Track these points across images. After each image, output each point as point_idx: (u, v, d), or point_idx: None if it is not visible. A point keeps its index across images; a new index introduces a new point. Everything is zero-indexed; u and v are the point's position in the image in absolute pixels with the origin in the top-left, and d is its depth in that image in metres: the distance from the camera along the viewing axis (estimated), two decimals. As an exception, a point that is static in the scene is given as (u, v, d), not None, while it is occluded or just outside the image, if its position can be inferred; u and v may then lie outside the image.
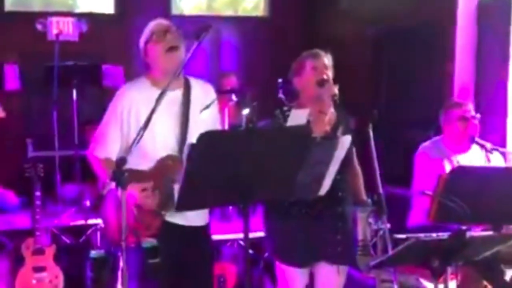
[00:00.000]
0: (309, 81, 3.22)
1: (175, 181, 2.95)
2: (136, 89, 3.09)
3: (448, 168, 3.79)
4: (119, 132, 3.05)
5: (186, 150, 2.97)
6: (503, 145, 4.77)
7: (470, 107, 4.01)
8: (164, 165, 3.01)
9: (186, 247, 3.06)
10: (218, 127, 3.30)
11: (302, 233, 3.19)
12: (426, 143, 4.05)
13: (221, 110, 5.40)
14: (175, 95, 3.03)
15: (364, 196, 3.37)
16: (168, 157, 3.02)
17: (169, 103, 2.93)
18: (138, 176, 2.89)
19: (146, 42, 3.05)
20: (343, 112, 3.28)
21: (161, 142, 3.01)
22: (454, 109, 3.97)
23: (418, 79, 5.86)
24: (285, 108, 3.18)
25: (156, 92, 2.91)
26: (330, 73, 3.24)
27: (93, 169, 3.14)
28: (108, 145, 3.06)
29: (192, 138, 2.96)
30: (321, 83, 3.16)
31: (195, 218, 3.05)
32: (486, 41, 5.30)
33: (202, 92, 3.16)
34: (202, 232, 3.18)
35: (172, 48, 2.99)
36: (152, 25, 3.06)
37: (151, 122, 2.66)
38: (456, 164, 3.75)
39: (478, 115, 3.97)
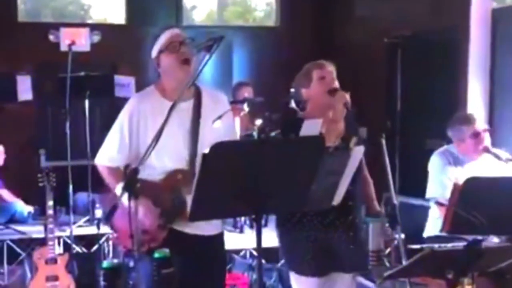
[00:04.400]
0: (318, 91, 3.22)
1: (185, 195, 2.93)
2: (145, 99, 3.08)
3: (461, 176, 3.77)
4: (127, 142, 3.04)
5: (198, 160, 2.96)
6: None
7: (479, 120, 3.98)
8: (173, 179, 3.00)
9: (197, 256, 3.03)
10: (234, 136, 3.28)
11: (315, 243, 3.18)
12: (439, 150, 4.02)
13: (233, 120, 5.44)
14: (186, 106, 3.01)
15: (377, 206, 3.35)
16: (178, 171, 3.00)
17: (180, 114, 2.92)
18: (148, 186, 2.88)
19: (160, 51, 3.03)
20: (353, 122, 3.26)
21: (171, 153, 2.99)
22: (464, 125, 3.93)
23: (434, 88, 5.84)
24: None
25: (165, 103, 2.93)
26: (336, 82, 3.25)
27: (102, 177, 3.15)
28: (116, 154, 3.06)
29: (203, 148, 2.96)
30: (333, 92, 3.16)
31: (206, 227, 3.03)
32: (500, 48, 5.27)
33: (212, 101, 3.14)
34: (214, 241, 3.16)
35: (186, 61, 2.98)
36: (168, 34, 3.03)
37: (162, 133, 2.65)
38: (468, 174, 3.73)
39: (488, 127, 3.95)
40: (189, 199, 2.46)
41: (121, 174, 3.05)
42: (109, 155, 3.09)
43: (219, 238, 3.21)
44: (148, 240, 2.94)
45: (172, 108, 2.69)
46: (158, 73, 3.12)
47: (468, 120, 4.00)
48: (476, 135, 3.87)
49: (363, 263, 3.16)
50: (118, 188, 2.96)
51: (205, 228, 3.04)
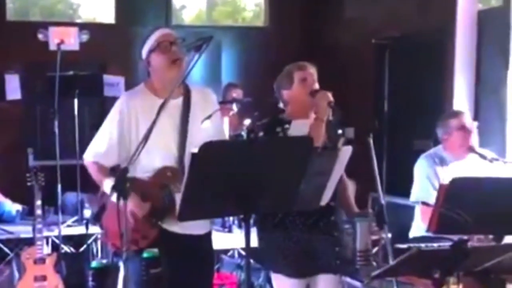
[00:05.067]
0: (300, 93, 3.24)
1: (174, 192, 2.94)
2: (135, 97, 3.08)
3: (446, 177, 3.80)
4: (116, 140, 3.04)
5: (186, 159, 2.96)
6: (503, 155, 4.78)
7: (468, 115, 4.02)
8: (162, 176, 3.00)
9: (186, 256, 3.03)
10: (222, 135, 3.29)
11: (297, 244, 3.19)
12: (426, 153, 4.05)
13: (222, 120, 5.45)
14: (175, 104, 3.02)
15: (355, 208, 3.38)
16: (167, 168, 3.00)
17: (169, 111, 2.92)
18: (137, 184, 2.89)
19: (151, 51, 3.04)
20: (335, 124, 3.27)
21: (161, 151, 2.99)
22: (452, 118, 3.97)
23: (421, 89, 5.88)
24: (286, 126, 3.19)
25: (156, 100, 2.93)
26: (317, 84, 3.26)
27: (89, 172, 3.15)
28: (104, 152, 3.06)
29: (192, 146, 2.97)
30: (314, 93, 3.17)
31: (194, 226, 3.03)
32: (486, 49, 5.31)
33: (202, 98, 3.15)
34: (202, 240, 3.16)
35: (177, 61, 2.98)
36: (158, 34, 3.04)
37: (152, 131, 2.66)
38: (454, 173, 3.76)
39: (476, 123, 3.99)
40: (178, 198, 2.47)
41: (108, 170, 3.06)
42: (97, 153, 3.09)
43: (207, 237, 3.21)
44: (138, 238, 2.94)
45: (162, 106, 2.69)
46: (148, 72, 3.12)
47: (456, 114, 4.06)
48: (463, 128, 3.89)
49: (346, 265, 3.19)
50: (106, 184, 2.95)
51: (194, 227, 3.04)
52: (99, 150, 3.08)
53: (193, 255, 3.07)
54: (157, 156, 2.99)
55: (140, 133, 2.92)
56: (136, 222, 2.91)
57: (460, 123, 3.90)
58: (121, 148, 3.04)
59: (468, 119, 3.96)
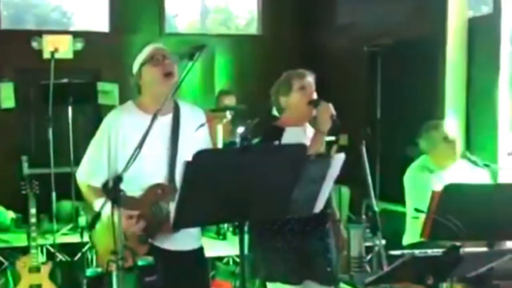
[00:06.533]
0: (298, 101, 3.25)
1: (165, 210, 2.92)
2: (123, 115, 3.04)
3: (438, 184, 3.82)
4: (105, 161, 3.01)
5: (178, 170, 2.90)
6: (494, 161, 4.81)
7: (447, 124, 4.07)
8: (153, 194, 2.97)
9: (179, 272, 3.00)
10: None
11: (296, 251, 3.21)
12: (414, 163, 4.08)
13: (215, 127, 5.47)
14: (165, 120, 2.99)
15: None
16: (158, 185, 2.97)
17: (159, 128, 2.88)
18: (128, 202, 2.86)
19: (142, 64, 3.01)
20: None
21: (151, 168, 2.96)
22: (434, 131, 4.01)
23: (413, 96, 5.91)
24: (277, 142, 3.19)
25: (144, 117, 2.87)
26: (315, 93, 3.27)
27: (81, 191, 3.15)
28: (94, 173, 3.04)
29: (182, 163, 2.95)
30: (315, 103, 3.18)
31: (185, 242, 3.02)
32: (476, 56, 5.35)
33: (192, 116, 3.12)
34: (194, 256, 3.12)
35: (169, 74, 2.96)
36: (151, 47, 3.03)
37: (143, 146, 2.63)
38: (445, 181, 3.78)
39: (457, 133, 4.03)
40: (171, 212, 2.46)
41: (98, 190, 3.04)
42: (86, 174, 3.08)
43: (199, 252, 3.16)
44: (128, 254, 2.92)
45: (153, 119, 2.62)
46: (138, 88, 3.08)
47: (437, 125, 4.09)
48: (447, 139, 3.93)
49: (336, 275, 3.25)
50: (97, 204, 2.92)
51: (184, 243, 3.02)
52: (88, 170, 3.07)
53: (186, 271, 3.04)
54: (147, 173, 2.95)
55: (129, 150, 2.79)
56: (126, 239, 2.88)
57: (443, 134, 3.94)
58: (110, 167, 3.00)
59: (449, 128, 4.00)
